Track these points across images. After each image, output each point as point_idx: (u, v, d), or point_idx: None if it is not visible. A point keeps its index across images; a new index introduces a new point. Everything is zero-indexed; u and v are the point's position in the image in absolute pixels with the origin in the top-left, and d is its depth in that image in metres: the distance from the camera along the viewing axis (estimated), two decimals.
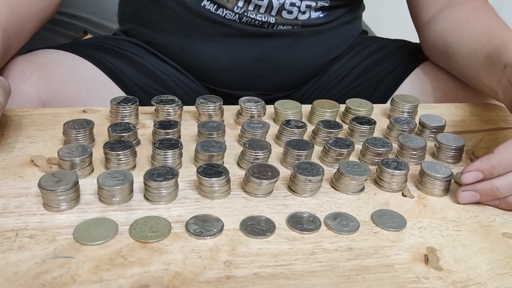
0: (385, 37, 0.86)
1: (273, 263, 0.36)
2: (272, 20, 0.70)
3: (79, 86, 0.63)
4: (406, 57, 0.75)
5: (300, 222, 0.40)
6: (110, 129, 0.48)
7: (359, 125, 0.53)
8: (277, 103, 0.56)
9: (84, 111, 0.55)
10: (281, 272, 0.35)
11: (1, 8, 0.56)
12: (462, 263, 0.37)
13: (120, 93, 0.67)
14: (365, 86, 0.76)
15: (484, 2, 0.70)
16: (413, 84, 0.73)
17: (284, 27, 0.72)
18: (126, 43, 0.75)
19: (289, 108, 0.55)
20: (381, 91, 0.73)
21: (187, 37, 0.72)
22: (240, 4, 0.69)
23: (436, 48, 0.70)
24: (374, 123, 0.53)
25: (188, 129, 0.53)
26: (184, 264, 0.35)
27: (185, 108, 0.57)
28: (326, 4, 0.73)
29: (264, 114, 0.56)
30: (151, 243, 0.37)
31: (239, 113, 0.55)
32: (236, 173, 0.46)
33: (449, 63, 0.68)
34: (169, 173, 0.41)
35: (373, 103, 0.60)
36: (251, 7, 0.69)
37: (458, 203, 0.44)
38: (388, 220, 0.41)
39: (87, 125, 0.48)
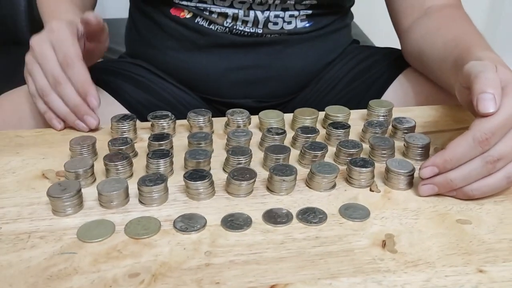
0: (380, 42, 0.91)
1: (247, 252, 0.41)
2: (260, 31, 0.76)
3: None
4: (391, 64, 0.80)
5: (274, 217, 0.45)
6: (109, 143, 0.54)
7: (334, 129, 0.58)
8: (261, 113, 0.62)
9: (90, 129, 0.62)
10: (254, 259, 0.40)
11: None
12: (415, 246, 0.42)
13: (124, 111, 0.73)
14: (355, 93, 0.81)
15: (456, 9, 0.74)
16: (397, 89, 0.78)
17: (273, 36, 0.78)
18: (129, 65, 0.82)
19: (271, 117, 0.61)
20: (369, 97, 0.78)
21: (185, 51, 0.79)
22: (229, 20, 0.75)
23: (413, 55, 0.75)
24: (349, 127, 0.58)
25: (181, 141, 0.59)
26: (170, 255, 0.41)
27: (180, 121, 0.63)
28: (309, 12, 0.78)
29: (250, 124, 0.62)
30: (143, 239, 0.43)
31: (227, 124, 0.61)
32: (222, 177, 0.51)
33: (425, 68, 0.73)
34: (159, 179, 0.47)
35: (362, 108, 0.65)
36: (239, 22, 0.75)
37: (420, 195, 0.49)
38: (354, 212, 0.46)
39: (90, 141, 0.54)
